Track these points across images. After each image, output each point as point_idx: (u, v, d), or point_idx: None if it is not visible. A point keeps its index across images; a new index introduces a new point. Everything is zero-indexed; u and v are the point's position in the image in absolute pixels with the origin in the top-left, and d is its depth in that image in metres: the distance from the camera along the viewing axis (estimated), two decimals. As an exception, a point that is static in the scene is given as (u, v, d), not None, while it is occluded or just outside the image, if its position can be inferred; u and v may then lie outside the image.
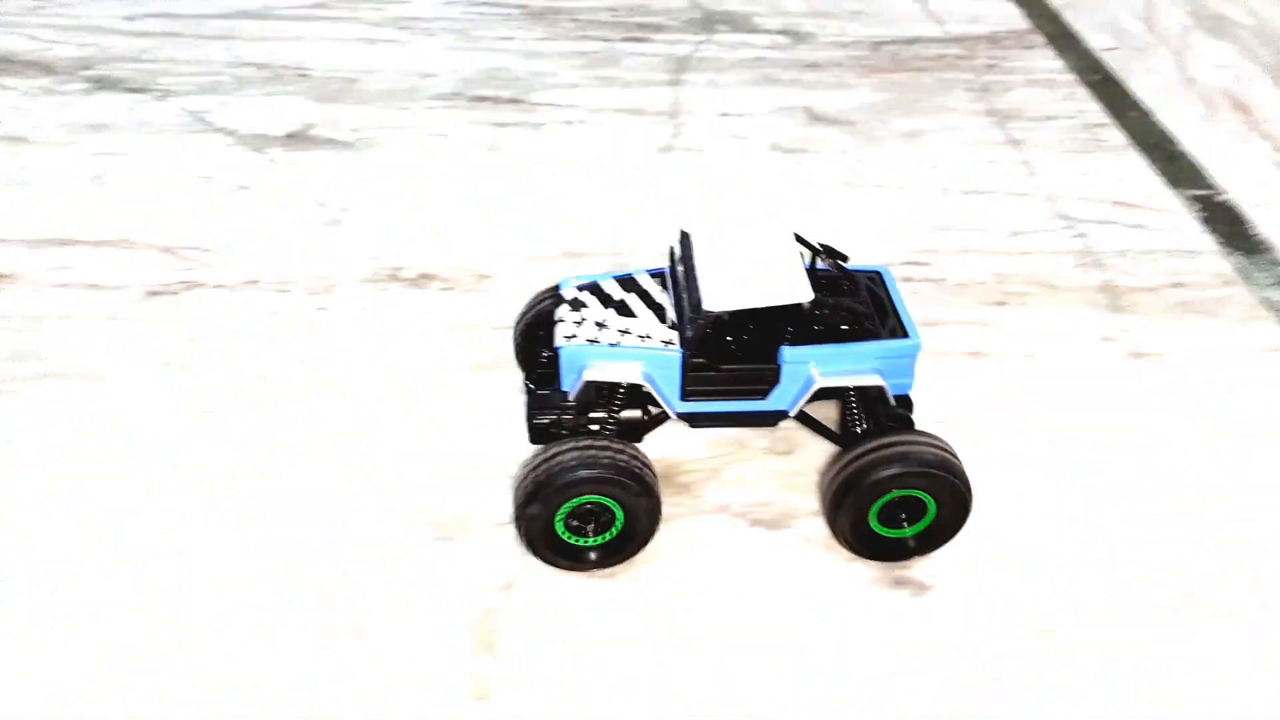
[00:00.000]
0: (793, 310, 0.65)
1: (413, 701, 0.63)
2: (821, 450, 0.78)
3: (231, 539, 0.72)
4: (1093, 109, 1.25)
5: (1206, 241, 1.04)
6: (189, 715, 0.62)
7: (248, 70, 1.30)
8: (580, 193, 1.09)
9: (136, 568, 0.70)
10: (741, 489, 0.76)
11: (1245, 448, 0.80)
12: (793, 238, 0.70)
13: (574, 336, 0.69)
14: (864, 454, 0.67)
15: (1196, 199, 1.10)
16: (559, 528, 0.67)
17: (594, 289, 0.73)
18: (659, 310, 0.71)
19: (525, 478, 0.67)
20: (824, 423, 0.76)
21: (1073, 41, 1.42)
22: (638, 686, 0.64)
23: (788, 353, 0.67)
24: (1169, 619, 0.68)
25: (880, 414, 0.71)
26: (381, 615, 0.67)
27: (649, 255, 0.99)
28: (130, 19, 1.44)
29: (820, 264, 0.73)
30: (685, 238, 0.71)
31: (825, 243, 0.73)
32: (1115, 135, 1.20)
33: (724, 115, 1.23)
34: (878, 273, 0.75)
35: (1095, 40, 1.42)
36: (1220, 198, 1.10)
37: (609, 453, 0.66)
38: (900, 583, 0.70)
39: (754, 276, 0.65)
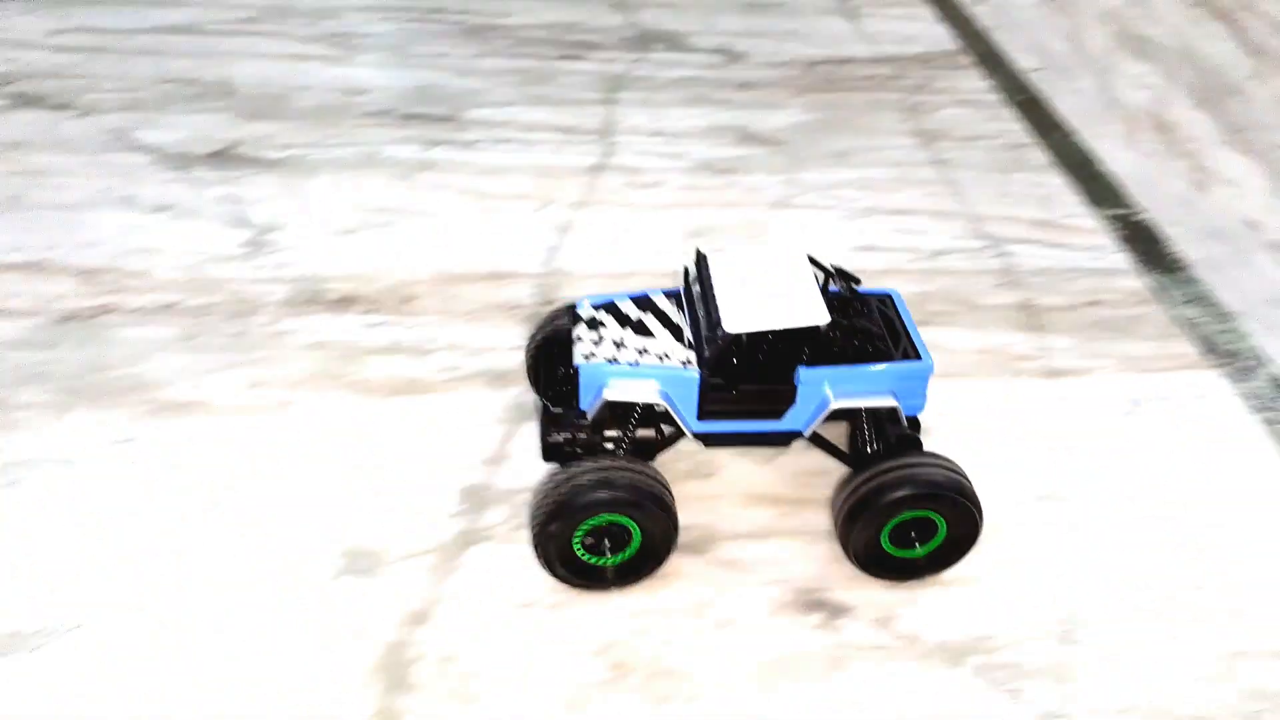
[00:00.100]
0: (810, 332, 0.67)
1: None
2: (741, 473, 0.79)
3: (138, 566, 0.71)
4: (1017, 129, 1.28)
5: (1124, 260, 1.06)
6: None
7: (173, 87, 1.28)
8: (511, 212, 1.09)
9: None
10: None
11: (1140, 463, 0.82)
12: (807, 260, 0.71)
13: (593, 355, 0.70)
14: (875, 476, 0.68)
15: (1116, 218, 1.13)
16: (577, 547, 0.67)
17: (611, 308, 0.74)
18: (676, 330, 0.72)
19: (544, 498, 0.67)
20: (833, 442, 0.76)
21: (1001, 62, 1.45)
22: None
23: (804, 374, 0.68)
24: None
25: (890, 434, 0.72)
26: (288, 650, 0.66)
27: (581, 276, 0.99)
28: (55, 34, 1.41)
29: (832, 286, 0.74)
30: (701, 259, 0.72)
31: (838, 265, 0.75)
32: (1039, 155, 1.23)
33: (656, 134, 1.23)
34: (888, 295, 0.76)
35: (1023, 61, 1.45)
36: (1139, 217, 1.13)
37: (627, 473, 0.66)
38: (815, 605, 0.70)
39: (772, 299, 0.67)
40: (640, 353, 0.69)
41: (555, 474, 0.68)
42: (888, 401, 0.70)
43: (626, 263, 1.02)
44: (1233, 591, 0.73)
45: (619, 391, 0.68)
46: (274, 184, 1.11)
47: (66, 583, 0.70)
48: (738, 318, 0.66)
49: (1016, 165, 1.21)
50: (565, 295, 0.97)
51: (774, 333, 0.66)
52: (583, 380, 0.69)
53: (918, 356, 0.71)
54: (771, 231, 1.07)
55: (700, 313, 0.70)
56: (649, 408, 0.70)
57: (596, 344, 0.70)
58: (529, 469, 0.79)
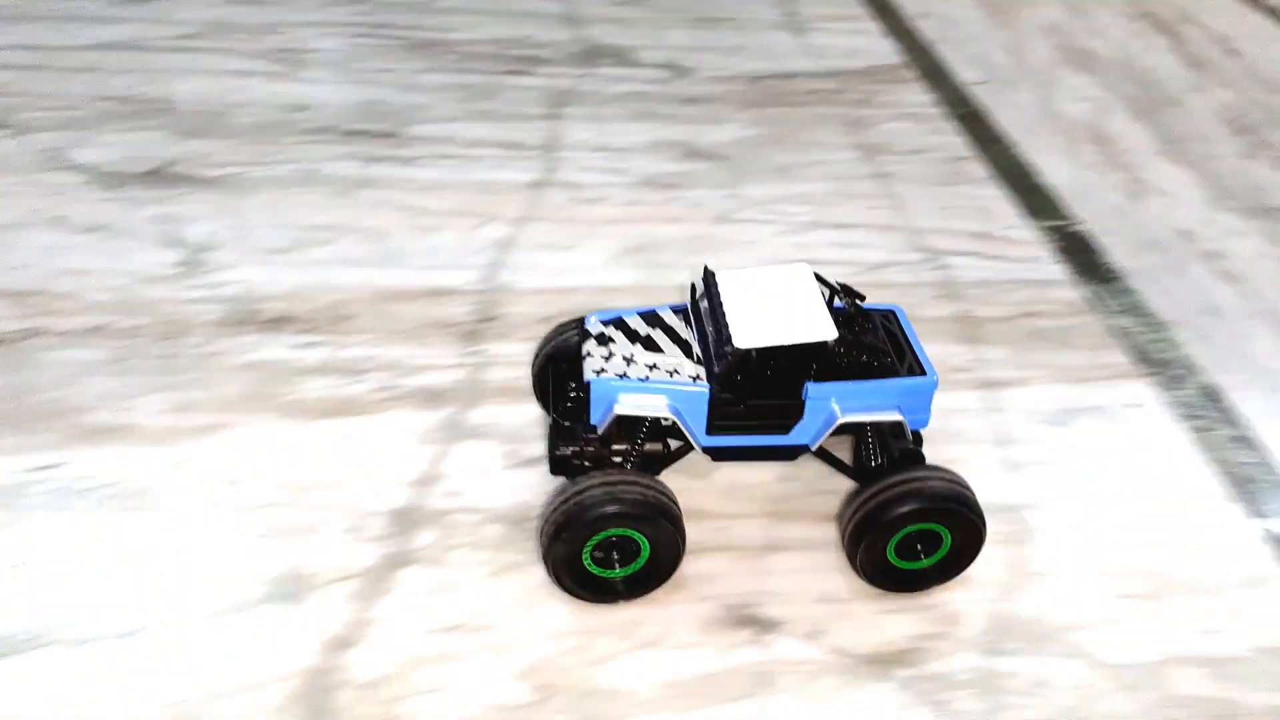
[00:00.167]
0: (818, 348, 0.67)
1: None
2: (676, 489, 0.78)
3: (58, 592, 0.69)
4: (958, 142, 1.29)
5: (1061, 272, 1.07)
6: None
7: (110, 105, 1.26)
8: (451, 228, 1.08)
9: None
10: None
11: (1070, 472, 0.83)
12: (813, 277, 0.72)
13: (604, 371, 0.70)
14: (880, 491, 0.69)
15: (1053, 230, 1.14)
16: (586, 561, 0.67)
17: (619, 324, 0.75)
18: (685, 346, 0.72)
19: (553, 513, 0.67)
20: (837, 456, 0.77)
21: (944, 76, 1.46)
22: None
23: (812, 389, 0.69)
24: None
25: (893, 449, 0.73)
26: (206, 679, 0.65)
27: (521, 292, 0.99)
28: (-9, 50, 1.39)
29: (837, 302, 0.75)
30: (709, 276, 0.72)
31: (843, 282, 0.76)
32: (979, 168, 1.24)
33: (600, 150, 1.23)
34: (891, 311, 0.78)
35: (966, 74, 1.47)
36: (1075, 228, 1.14)
37: (635, 487, 0.66)
38: (745, 621, 0.70)
39: (781, 315, 0.68)
40: (650, 368, 0.70)
41: (563, 488, 0.68)
42: (894, 416, 0.71)
43: (568, 279, 1.02)
44: (1161, 597, 0.74)
45: (630, 406, 0.69)
46: (210, 203, 1.10)
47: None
48: (747, 333, 0.67)
49: (957, 178, 1.22)
50: (505, 312, 0.97)
51: (783, 348, 0.67)
52: (594, 395, 0.70)
53: (922, 372, 0.72)
54: (715, 246, 1.07)
55: (709, 328, 0.71)
56: (655, 422, 0.71)
57: (607, 359, 0.71)
58: (463, 489, 0.78)
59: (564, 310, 0.96)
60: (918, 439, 0.75)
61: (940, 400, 0.88)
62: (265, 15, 1.51)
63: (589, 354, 0.72)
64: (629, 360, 0.71)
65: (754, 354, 0.67)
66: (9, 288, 0.97)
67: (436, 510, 0.76)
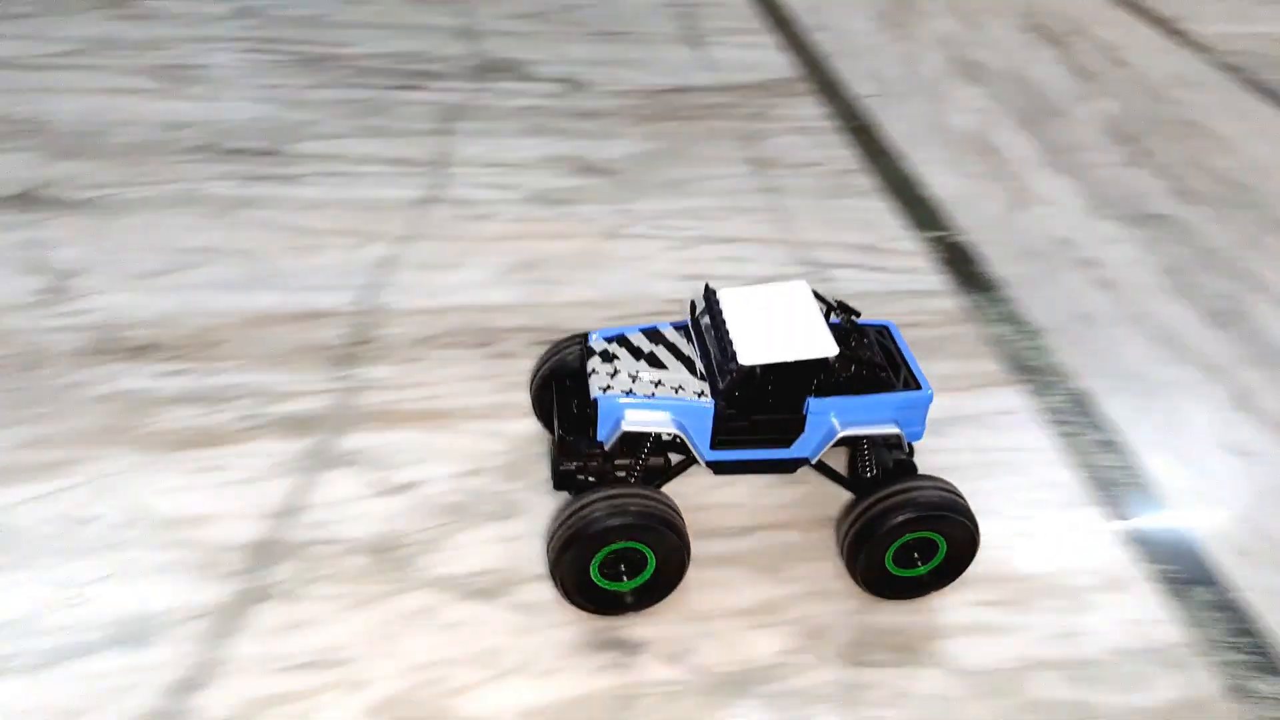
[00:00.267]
0: (819, 364, 0.70)
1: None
2: (548, 511, 0.78)
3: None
4: (847, 155, 1.31)
5: (941, 282, 1.09)
6: None
7: (-20, 124, 1.22)
8: (331, 248, 1.06)
9: None
10: (459, 559, 0.74)
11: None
12: (811, 294, 0.74)
13: (610, 388, 0.71)
14: (876, 502, 0.71)
15: (936, 240, 1.16)
16: (594, 575, 0.68)
17: (622, 341, 0.75)
18: (687, 362, 0.74)
19: (558, 529, 0.68)
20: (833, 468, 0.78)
21: (837, 89, 1.48)
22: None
23: (813, 404, 0.71)
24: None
25: (888, 460, 0.75)
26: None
27: (402, 312, 0.98)
28: None
29: (833, 318, 0.76)
30: (710, 293, 0.74)
31: (839, 299, 0.77)
32: (866, 180, 1.26)
33: (491, 165, 1.22)
34: (885, 326, 0.79)
35: (859, 87, 1.49)
36: (957, 239, 1.17)
37: (639, 500, 0.68)
38: (609, 644, 0.70)
39: (782, 332, 0.70)
40: (655, 384, 0.72)
41: (568, 504, 0.69)
42: (891, 429, 0.73)
43: (451, 298, 1.00)
44: (1022, 602, 0.75)
45: (637, 422, 0.70)
46: (79, 226, 1.06)
47: None
48: (751, 350, 0.69)
49: (845, 191, 1.24)
50: (382, 334, 0.95)
51: (786, 364, 0.69)
52: (601, 412, 0.71)
53: (918, 386, 0.73)
54: (603, 262, 1.07)
55: (711, 345, 0.73)
56: (658, 437, 0.72)
57: (612, 376, 0.72)
58: (326, 519, 0.76)
59: (445, 330, 0.95)
60: (911, 450, 0.78)
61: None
62: (150, 31, 1.48)
63: (594, 371, 0.73)
64: (634, 377, 0.72)
65: (758, 370, 0.69)
66: None
67: (297, 542, 0.74)
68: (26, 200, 1.09)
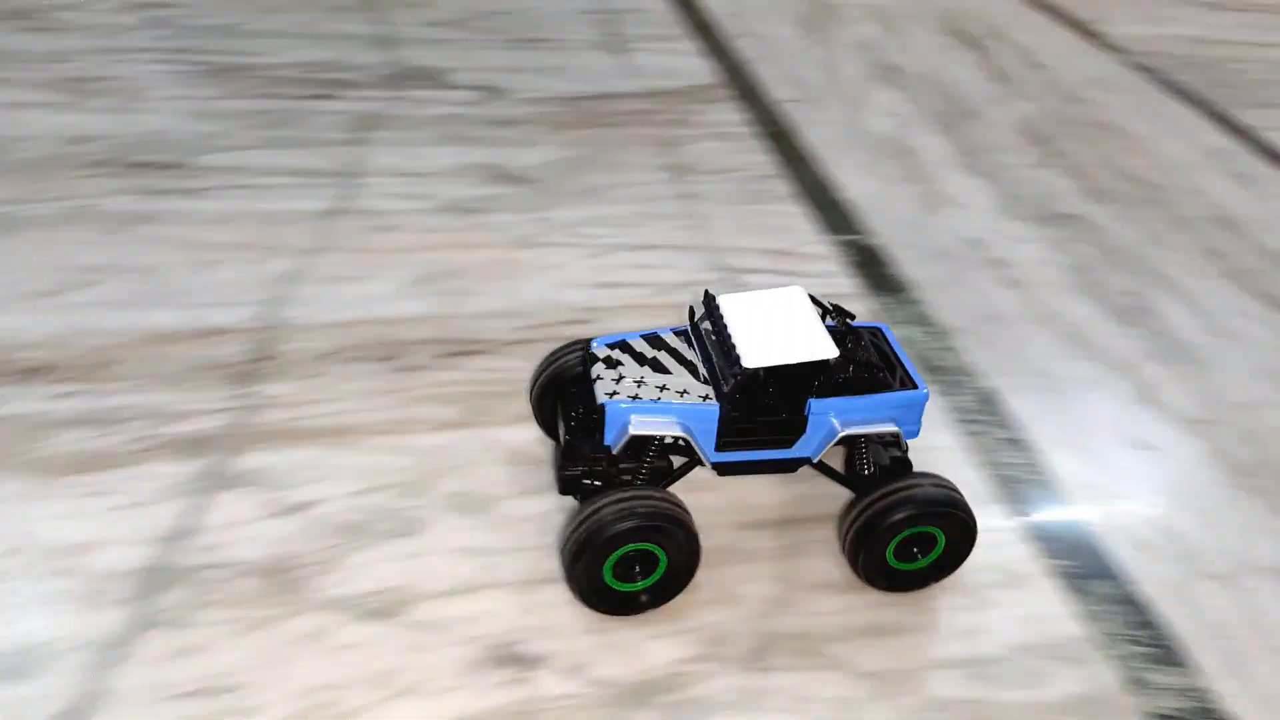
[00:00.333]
0: (820, 365, 0.72)
1: None
2: (449, 527, 0.77)
3: None
4: (764, 161, 1.31)
5: (853, 285, 1.10)
6: None
7: None
8: (234, 263, 1.04)
9: None
10: (354, 579, 0.73)
11: (838, 488, 0.84)
12: (808, 298, 0.76)
13: (616, 393, 0.73)
14: (877, 499, 0.73)
15: (849, 244, 1.17)
16: (608, 578, 0.70)
17: (624, 347, 0.77)
18: (690, 366, 0.75)
19: (571, 535, 0.69)
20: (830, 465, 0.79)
21: (757, 95, 1.49)
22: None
23: (815, 405, 0.73)
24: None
25: (884, 457, 0.77)
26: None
27: (305, 327, 0.96)
28: None
29: (828, 321, 0.78)
30: (710, 299, 0.76)
31: (835, 303, 0.79)
32: (781, 186, 1.27)
33: (403, 175, 1.21)
34: (879, 328, 0.81)
35: (779, 92, 1.50)
36: (870, 241, 1.18)
37: (647, 501, 0.70)
38: (508, 660, 0.69)
39: (783, 336, 0.72)
40: (661, 389, 0.73)
41: (578, 511, 0.70)
42: (890, 428, 0.75)
43: (355, 311, 0.99)
44: (922, 601, 0.75)
45: (644, 426, 0.72)
46: (-30, 244, 1.03)
47: None
48: (755, 353, 0.71)
49: (761, 196, 1.24)
50: (283, 349, 0.93)
51: (788, 367, 0.71)
52: (609, 417, 0.72)
53: (914, 386, 0.75)
54: (515, 272, 1.06)
55: (713, 350, 0.75)
56: (663, 440, 0.73)
57: (618, 381, 0.74)
58: (219, 542, 0.74)
59: (349, 344, 0.93)
60: (905, 448, 0.80)
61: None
62: (57, 43, 1.44)
63: (599, 377, 0.74)
64: (639, 382, 0.74)
65: (762, 373, 0.71)
66: None
67: (187, 567, 0.72)
68: (-86, 219, 1.06)
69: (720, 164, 1.29)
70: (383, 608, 0.71)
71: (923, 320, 1.05)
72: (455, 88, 1.42)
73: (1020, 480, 0.87)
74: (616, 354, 0.76)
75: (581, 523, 0.69)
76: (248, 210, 1.11)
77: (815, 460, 0.76)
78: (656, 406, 0.72)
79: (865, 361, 0.75)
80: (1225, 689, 0.71)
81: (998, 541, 0.81)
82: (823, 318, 0.78)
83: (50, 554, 0.72)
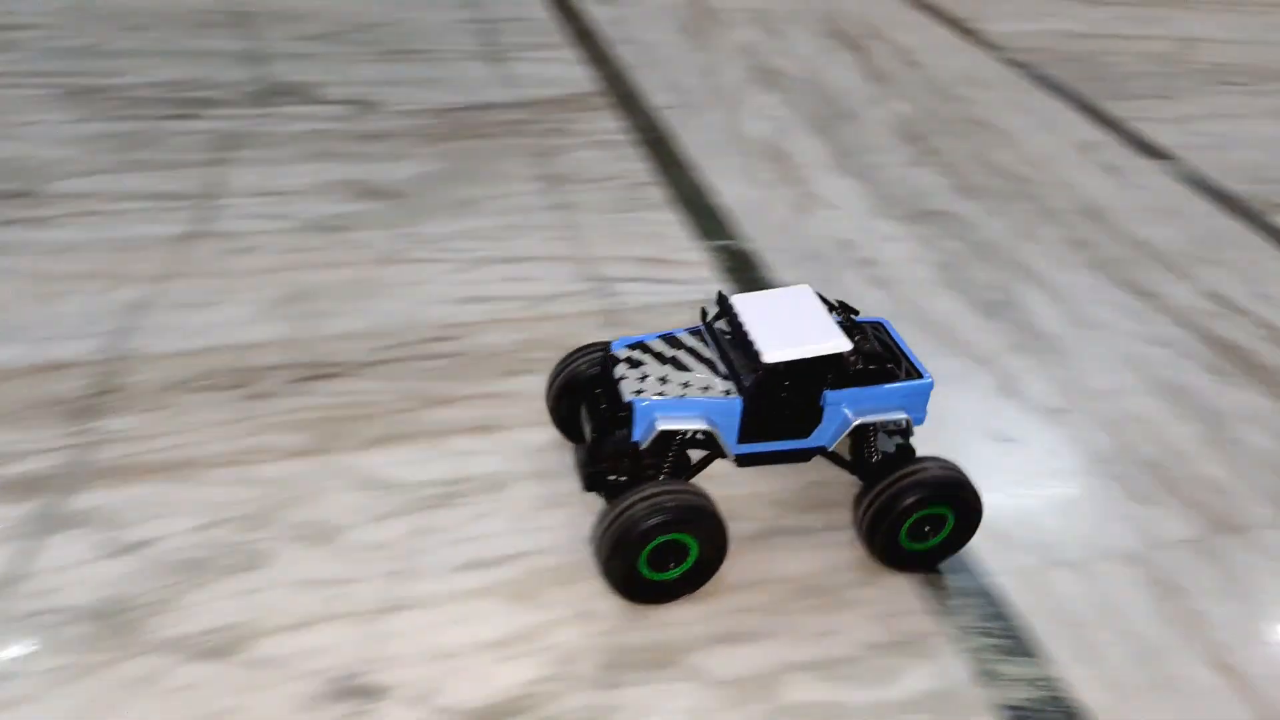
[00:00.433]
0: (834, 358, 0.75)
1: None
2: (294, 558, 0.74)
3: None
4: (641, 168, 1.31)
5: (725, 290, 1.10)
6: None
7: None
8: (77, 294, 0.99)
9: None
10: (191, 618, 0.70)
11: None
12: (816, 296, 0.79)
13: (642, 391, 0.75)
14: (889, 485, 0.78)
15: (723, 249, 1.17)
16: (644, 569, 0.73)
17: (643, 347, 0.80)
18: (709, 364, 0.78)
19: (604, 533, 0.73)
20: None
21: (636, 102, 1.49)
22: None
23: (830, 396, 0.77)
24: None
25: (888, 444, 0.82)
26: None
27: (153, 357, 0.92)
28: None
29: (834, 316, 0.80)
30: (724, 299, 0.80)
31: (839, 299, 0.83)
32: (657, 193, 1.27)
33: (265, 194, 1.17)
34: (880, 323, 0.85)
35: (658, 99, 1.50)
36: (743, 246, 1.18)
37: (674, 495, 0.73)
38: (349, 692, 0.67)
39: (797, 331, 0.76)
40: (684, 386, 0.76)
41: (609, 509, 0.73)
42: (900, 416, 0.79)
43: (208, 338, 0.95)
44: (779, 605, 0.75)
45: (670, 422, 0.75)
46: None
47: None
48: (773, 349, 0.74)
49: (636, 204, 1.24)
50: (128, 382, 0.89)
51: (805, 360, 0.74)
52: (636, 415, 0.75)
53: (920, 375, 0.79)
54: (377, 289, 1.04)
55: (729, 347, 0.78)
56: (684, 434, 0.76)
57: (642, 380, 0.77)
58: (48, 588, 0.71)
59: (198, 373, 0.90)
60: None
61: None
62: (-103, 67, 1.37)
63: (623, 377, 0.77)
64: (663, 380, 0.77)
65: (781, 367, 0.74)
66: None
67: (12, 615, 0.69)
68: None
69: (596, 173, 1.29)
70: (220, 646, 0.68)
71: (791, 322, 1.05)
72: (325, 103, 1.39)
73: (880, 478, 0.88)
74: (637, 354, 0.79)
75: (613, 521, 0.72)
76: (97, 238, 1.07)
77: (831, 448, 0.80)
78: (682, 403, 0.75)
79: (874, 353, 0.79)
80: (1075, 676, 0.72)
81: (858, 541, 0.81)
82: (829, 312, 0.81)
83: None
